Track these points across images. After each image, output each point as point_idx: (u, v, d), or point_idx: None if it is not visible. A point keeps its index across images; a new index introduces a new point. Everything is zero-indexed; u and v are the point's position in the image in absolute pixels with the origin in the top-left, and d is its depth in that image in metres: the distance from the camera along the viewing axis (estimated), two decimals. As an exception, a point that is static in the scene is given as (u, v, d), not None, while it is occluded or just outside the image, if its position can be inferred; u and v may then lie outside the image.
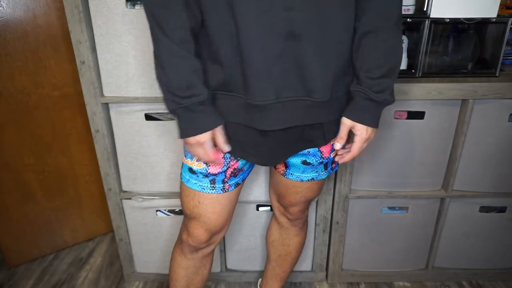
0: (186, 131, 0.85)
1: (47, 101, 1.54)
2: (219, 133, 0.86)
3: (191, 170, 0.96)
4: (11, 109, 1.48)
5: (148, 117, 1.29)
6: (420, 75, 1.26)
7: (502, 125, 1.28)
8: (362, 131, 0.89)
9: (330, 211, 1.44)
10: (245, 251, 1.53)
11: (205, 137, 0.85)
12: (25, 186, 1.60)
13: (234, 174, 0.97)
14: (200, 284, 1.14)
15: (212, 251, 1.11)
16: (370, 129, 0.90)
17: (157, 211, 1.44)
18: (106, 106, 1.29)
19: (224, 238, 1.50)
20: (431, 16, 1.18)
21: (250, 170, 1.04)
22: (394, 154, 1.34)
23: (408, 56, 1.26)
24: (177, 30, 0.78)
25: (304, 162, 0.99)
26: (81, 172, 1.71)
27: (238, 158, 0.95)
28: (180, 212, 1.43)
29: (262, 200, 1.41)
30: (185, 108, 0.81)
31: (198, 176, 0.95)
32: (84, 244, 1.82)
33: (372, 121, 0.90)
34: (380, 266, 1.56)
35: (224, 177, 0.95)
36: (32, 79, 1.48)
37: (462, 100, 1.26)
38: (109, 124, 1.32)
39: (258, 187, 1.40)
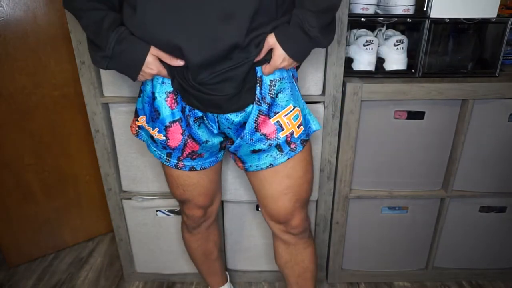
0: (132, 69, 0.88)
1: (47, 101, 1.54)
2: (155, 50, 0.85)
3: (152, 137, 1.00)
4: (11, 109, 1.48)
5: (148, 117, 1.29)
6: (420, 75, 1.26)
7: (502, 125, 1.28)
8: (278, 57, 0.86)
9: (330, 211, 1.44)
10: (245, 251, 1.53)
11: (150, 60, 0.86)
12: (25, 186, 1.60)
13: (191, 156, 1.01)
14: (214, 247, 1.29)
15: (214, 220, 1.25)
16: (287, 59, 0.87)
17: (157, 211, 1.44)
18: (106, 106, 1.29)
19: (224, 238, 1.50)
20: (431, 16, 1.19)
21: (212, 161, 1.07)
22: (394, 154, 1.34)
23: (408, 56, 1.26)
24: None
25: (254, 151, 0.96)
26: (81, 172, 1.71)
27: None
28: (180, 212, 1.43)
29: (262, 200, 1.41)
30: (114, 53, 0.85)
31: (158, 145, 1.00)
32: (84, 244, 1.82)
33: (294, 52, 0.87)
34: (380, 266, 1.56)
35: (180, 154, 1.00)
36: (32, 79, 1.48)
37: (462, 100, 1.26)
38: (109, 124, 1.32)
39: (258, 187, 1.40)
